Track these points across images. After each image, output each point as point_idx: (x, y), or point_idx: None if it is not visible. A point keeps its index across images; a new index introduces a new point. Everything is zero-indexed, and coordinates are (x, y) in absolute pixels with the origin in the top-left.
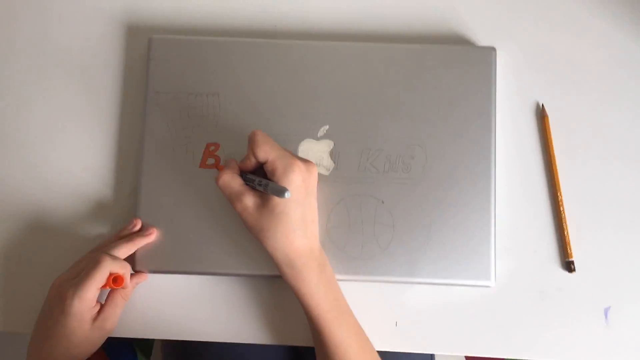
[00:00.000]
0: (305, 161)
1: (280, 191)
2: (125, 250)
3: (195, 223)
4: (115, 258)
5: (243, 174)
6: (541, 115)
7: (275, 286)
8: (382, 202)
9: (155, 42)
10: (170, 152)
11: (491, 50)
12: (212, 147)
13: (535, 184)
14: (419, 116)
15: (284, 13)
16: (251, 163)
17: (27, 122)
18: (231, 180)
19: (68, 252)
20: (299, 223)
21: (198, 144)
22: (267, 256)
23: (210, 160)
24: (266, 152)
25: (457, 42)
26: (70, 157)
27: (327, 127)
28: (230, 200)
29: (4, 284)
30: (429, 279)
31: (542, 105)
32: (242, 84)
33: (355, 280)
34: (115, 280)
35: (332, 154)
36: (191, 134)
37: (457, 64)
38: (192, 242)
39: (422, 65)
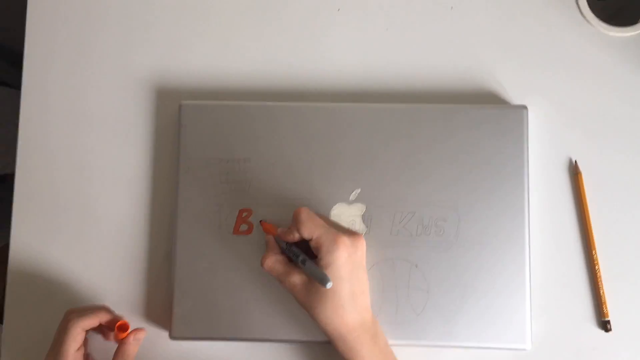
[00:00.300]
0: (351, 235)
1: (322, 280)
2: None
3: (231, 288)
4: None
5: (287, 246)
6: (574, 172)
7: (320, 352)
8: (416, 265)
9: (185, 108)
10: (203, 218)
11: (523, 109)
12: (245, 214)
13: (569, 243)
14: (450, 178)
15: (312, 72)
16: (294, 238)
17: (58, 188)
18: (275, 262)
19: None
20: (348, 298)
21: (231, 210)
22: (308, 321)
23: (243, 227)
24: (311, 230)
25: (486, 100)
26: (104, 224)
27: (358, 190)
28: (278, 280)
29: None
30: (464, 342)
31: (575, 161)
32: (273, 148)
33: (392, 345)
34: (121, 329)
35: (364, 218)
36: (224, 200)
37: (488, 123)
38: (229, 308)
39: (452, 125)
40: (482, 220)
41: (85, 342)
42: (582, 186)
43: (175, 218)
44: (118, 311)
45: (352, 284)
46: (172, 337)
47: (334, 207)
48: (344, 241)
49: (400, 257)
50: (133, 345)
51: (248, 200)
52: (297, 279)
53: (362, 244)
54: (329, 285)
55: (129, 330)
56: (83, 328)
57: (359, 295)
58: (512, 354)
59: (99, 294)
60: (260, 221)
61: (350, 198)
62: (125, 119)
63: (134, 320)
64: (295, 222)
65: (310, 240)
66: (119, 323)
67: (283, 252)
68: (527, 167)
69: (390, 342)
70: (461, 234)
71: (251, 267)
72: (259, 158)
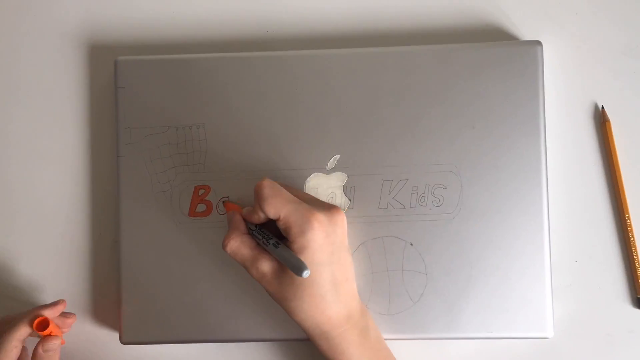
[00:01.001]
0: (327, 210)
1: (297, 268)
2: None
3: (189, 281)
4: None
5: (251, 228)
6: (601, 120)
7: (298, 351)
8: (411, 244)
9: (122, 65)
10: (152, 199)
11: (536, 45)
12: (202, 191)
13: (597, 206)
14: (450, 134)
15: (277, 15)
16: (260, 218)
17: None
18: (240, 245)
19: None
20: (329, 288)
21: (185, 188)
22: (284, 316)
23: (201, 207)
24: (277, 207)
25: (493, 38)
26: (38, 209)
27: (337, 156)
28: (244, 267)
29: None
30: (472, 333)
31: (602, 107)
32: (232, 110)
33: (385, 340)
34: (41, 326)
35: (346, 189)
36: (175, 176)
37: (495, 65)
38: (188, 305)
39: (451, 69)
40: (489, 184)
41: (23, 351)
42: (611, 137)
43: (118, 200)
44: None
45: (332, 269)
46: (123, 341)
47: (309, 178)
48: (319, 218)
49: (392, 235)
50: (45, 357)
51: (205, 175)
52: (266, 266)
53: (341, 220)
54: (306, 274)
55: (49, 329)
56: (18, 340)
57: (343, 283)
58: (530, 344)
59: (37, 291)
60: (224, 201)
61: (328, 166)
62: (52, 82)
63: (79, 322)
64: (257, 199)
65: (278, 219)
66: (37, 320)
67: (250, 232)
68: (544, 116)
69: (384, 336)
70: (464, 203)
71: (212, 255)
72: (216, 123)
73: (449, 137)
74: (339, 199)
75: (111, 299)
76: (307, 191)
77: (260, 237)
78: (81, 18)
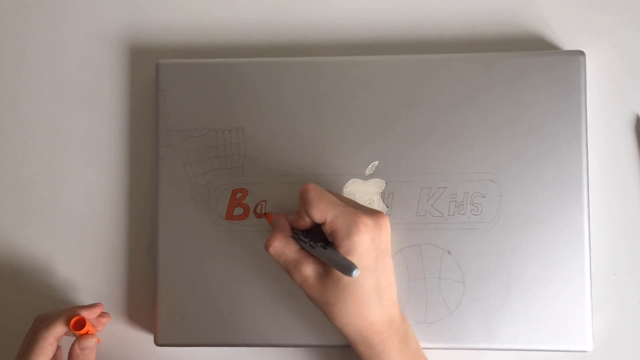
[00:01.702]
0: (372, 214)
1: (347, 268)
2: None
3: (226, 284)
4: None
5: (296, 233)
6: None
7: (334, 357)
8: (449, 252)
9: (163, 68)
10: (189, 202)
11: (579, 55)
12: (239, 194)
13: (637, 218)
14: (490, 142)
15: (318, 20)
16: (305, 224)
17: (22, 170)
18: (284, 246)
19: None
20: (373, 293)
21: (222, 192)
22: (320, 322)
23: (238, 210)
24: (323, 211)
25: (534, 47)
26: (75, 208)
27: (376, 163)
28: (287, 270)
29: None
30: (509, 344)
31: None
32: (271, 114)
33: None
34: (78, 325)
35: (384, 196)
36: (213, 179)
37: (537, 74)
38: (224, 308)
39: (491, 78)
40: (529, 194)
41: (58, 351)
42: None
43: (157, 202)
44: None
45: (377, 274)
46: (158, 343)
47: (347, 184)
48: (365, 222)
49: (429, 242)
50: (82, 355)
51: (242, 178)
52: (310, 269)
53: (386, 225)
54: (356, 273)
55: (85, 328)
56: (55, 337)
57: (386, 288)
58: (569, 358)
59: (73, 291)
60: (266, 214)
61: (367, 172)
62: (93, 84)
63: (114, 323)
64: (302, 203)
65: (324, 223)
66: (74, 319)
67: (295, 237)
68: (586, 126)
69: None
70: (503, 212)
71: (249, 258)
72: (255, 127)
73: (488, 146)
74: (377, 206)
75: (146, 301)
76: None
77: (307, 241)
78: (123, 21)
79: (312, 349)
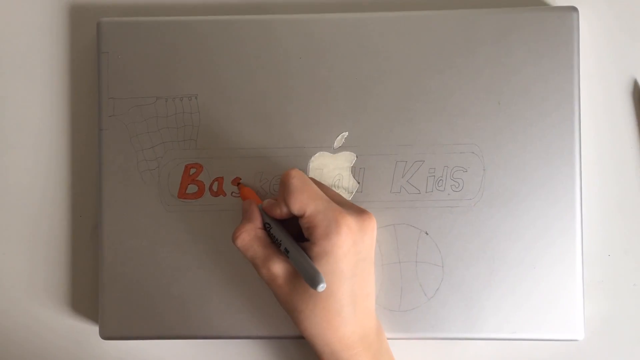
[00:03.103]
0: (358, 214)
1: (312, 280)
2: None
3: (176, 271)
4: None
5: (268, 224)
6: (638, 96)
7: (292, 349)
8: (426, 233)
9: (106, 27)
10: (137, 179)
11: (572, 11)
12: (193, 170)
13: (633, 194)
14: (472, 110)
15: None
16: (282, 213)
17: None
18: (254, 239)
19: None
20: (347, 302)
21: (174, 167)
22: (270, 314)
23: (192, 188)
24: (303, 202)
25: (521, 3)
26: (11, 190)
27: (345, 134)
28: (254, 265)
29: None
30: (493, 333)
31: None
32: (228, 80)
33: (394, 339)
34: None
35: (355, 171)
36: (163, 153)
37: (524, 33)
38: (173, 297)
39: (474, 37)
40: (515, 167)
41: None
42: None
43: (100, 179)
44: (38, 300)
45: (353, 282)
46: (103, 336)
47: (314, 158)
48: (349, 223)
49: (405, 222)
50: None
51: (197, 152)
52: (279, 267)
53: (372, 228)
54: (321, 287)
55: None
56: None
57: (363, 299)
58: (558, 347)
59: (12, 280)
60: (238, 183)
61: (335, 145)
62: (26, 45)
63: (57, 312)
64: (282, 191)
65: (302, 216)
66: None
67: (265, 227)
68: (578, 92)
69: (394, 335)
70: (487, 188)
71: (203, 242)
72: (210, 94)
73: (471, 114)
74: (347, 182)
75: (91, 289)
76: (310, 173)
77: (275, 237)
78: None
79: (269, 340)
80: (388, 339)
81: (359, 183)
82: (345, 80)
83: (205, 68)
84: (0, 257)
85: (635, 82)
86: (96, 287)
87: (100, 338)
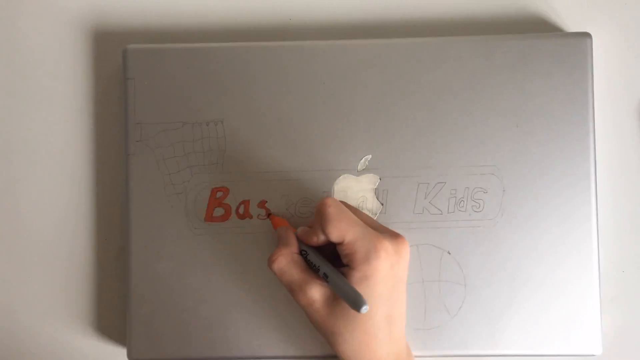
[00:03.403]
0: (393, 238)
1: (355, 303)
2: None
3: (204, 293)
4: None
5: (304, 250)
6: None
7: None
8: (449, 252)
9: (132, 54)
10: (164, 202)
11: (585, 38)
12: (220, 193)
13: None
14: (491, 133)
15: (302, 1)
16: (318, 240)
17: None
18: (290, 264)
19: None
20: (384, 324)
21: (201, 191)
22: (299, 334)
23: (219, 211)
24: (342, 230)
25: (537, 29)
26: (37, 214)
27: (369, 157)
28: (290, 290)
29: None
30: (514, 350)
31: None
32: (253, 105)
33: (419, 357)
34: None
35: (378, 193)
36: (190, 177)
37: (541, 58)
38: (201, 319)
39: (493, 63)
40: (534, 188)
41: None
42: None
43: (127, 203)
44: (63, 324)
45: (390, 304)
46: (131, 358)
47: (338, 180)
48: (386, 247)
49: (428, 242)
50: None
51: (223, 176)
52: (317, 292)
53: (406, 251)
54: (365, 309)
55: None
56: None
57: (397, 320)
58: None
59: (37, 303)
60: (270, 214)
61: (359, 167)
62: (53, 72)
63: (83, 337)
64: (320, 219)
65: (340, 244)
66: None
67: (302, 253)
68: (593, 115)
69: (419, 352)
70: (506, 208)
71: (231, 264)
72: (235, 119)
73: (490, 137)
74: (370, 203)
75: (118, 312)
76: (335, 195)
77: (315, 264)
78: (86, 1)
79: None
80: (414, 357)
81: (382, 204)
82: (368, 104)
83: (231, 93)
84: (26, 281)
85: None
86: (122, 310)
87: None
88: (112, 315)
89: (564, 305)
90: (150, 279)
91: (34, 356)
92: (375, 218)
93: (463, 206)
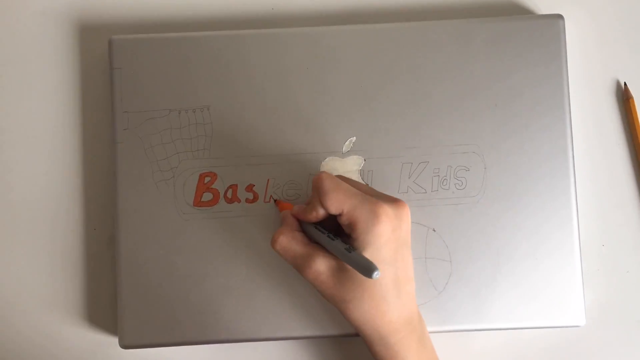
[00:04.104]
0: (393, 202)
1: (366, 269)
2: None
3: (194, 278)
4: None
5: (309, 225)
6: (624, 97)
7: (304, 350)
8: (433, 230)
9: (117, 45)
10: (153, 189)
11: (558, 19)
12: (208, 179)
13: (623, 187)
14: (471, 113)
15: None
16: (317, 215)
17: None
18: (292, 241)
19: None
20: (391, 288)
21: (189, 176)
22: (291, 315)
23: (207, 196)
24: (340, 201)
25: (510, 11)
26: (25, 204)
27: (353, 138)
28: (296, 266)
29: None
30: (500, 323)
31: (625, 84)
32: (239, 91)
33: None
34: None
35: (364, 174)
36: (178, 163)
37: (516, 40)
38: (192, 303)
39: (469, 45)
40: (514, 165)
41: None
42: (635, 114)
43: (116, 190)
44: (54, 313)
45: (396, 267)
46: (123, 345)
47: (324, 163)
48: (387, 211)
49: (413, 221)
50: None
51: (210, 161)
52: (322, 263)
53: (407, 214)
54: (376, 275)
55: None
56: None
57: (405, 283)
58: (562, 333)
59: (27, 294)
60: (276, 200)
61: (344, 149)
62: (39, 64)
63: (73, 325)
64: (317, 194)
65: (340, 214)
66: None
67: (305, 228)
68: (568, 93)
69: None
70: (489, 185)
71: (220, 248)
72: (221, 105)
73: (470, 116)
74: None
75: (108, 300)
76: None
77: (325, 232)
78: None
79: (289, 341)
80: None
81: (368, 185)
82: (351, 88)
83: (216, 80)
84: (16, 271)
85: (618, 82)
86: (112, 299)
87: (119, 348)
88: (103, 304)
89: (547, 278)
90: (140, 266)
91: (25, 347)
92: None
93: (446, 184)
